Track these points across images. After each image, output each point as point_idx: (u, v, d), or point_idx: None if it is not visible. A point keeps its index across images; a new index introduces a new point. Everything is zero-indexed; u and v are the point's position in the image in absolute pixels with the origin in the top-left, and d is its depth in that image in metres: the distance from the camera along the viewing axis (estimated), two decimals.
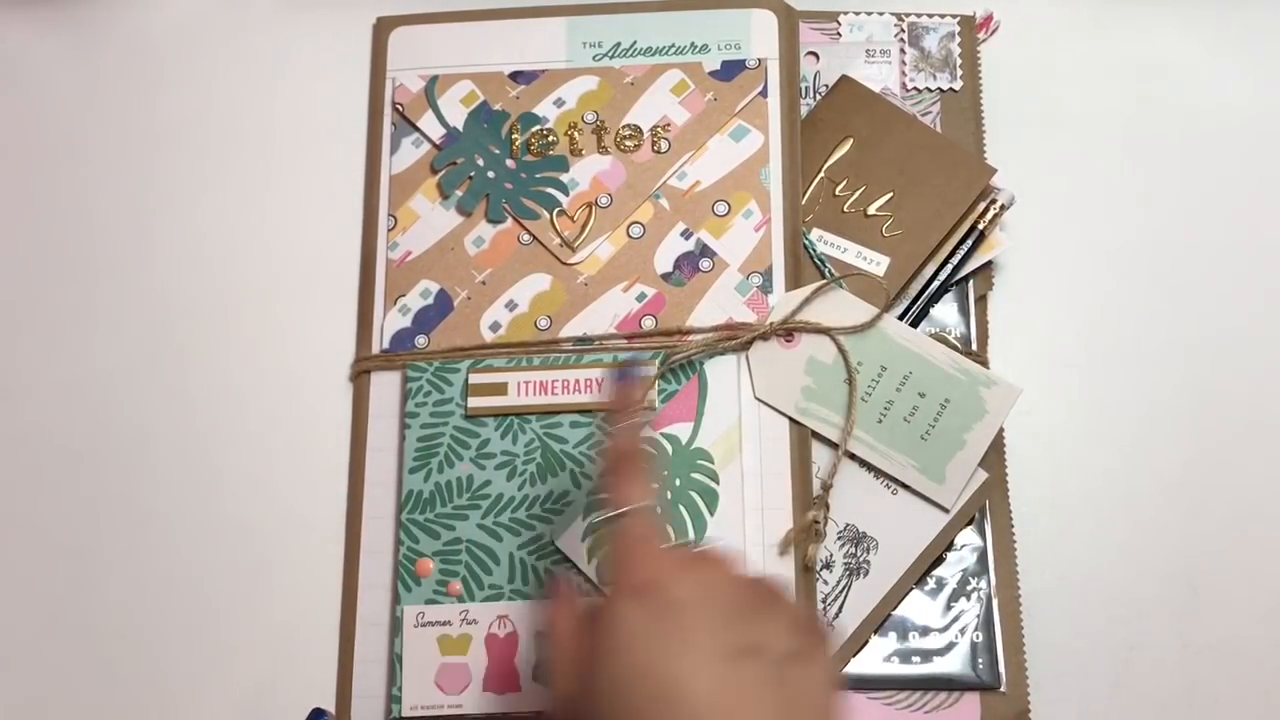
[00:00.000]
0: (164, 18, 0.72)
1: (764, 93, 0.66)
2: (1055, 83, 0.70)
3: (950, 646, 0.60)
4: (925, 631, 0.60)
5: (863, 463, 0.62)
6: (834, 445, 0.61)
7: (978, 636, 0.60)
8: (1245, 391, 0.65)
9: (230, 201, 0.69)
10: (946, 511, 0.60)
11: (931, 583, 0.61)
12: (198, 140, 0.70)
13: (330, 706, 0.60)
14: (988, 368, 0.63)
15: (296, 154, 0.69)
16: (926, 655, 0.60)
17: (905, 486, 0.61)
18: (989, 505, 0.61)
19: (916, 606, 0.60)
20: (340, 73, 0.70)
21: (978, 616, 0.60)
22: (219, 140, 0.70)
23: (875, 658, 0.60)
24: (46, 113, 0.71)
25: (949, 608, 0.60)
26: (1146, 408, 0.64)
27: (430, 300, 0.65)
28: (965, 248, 0.64)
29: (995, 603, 0.60)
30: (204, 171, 0.70)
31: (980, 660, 0.59)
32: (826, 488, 0.61)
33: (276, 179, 0.69)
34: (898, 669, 0.60)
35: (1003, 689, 0.59)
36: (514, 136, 0.67)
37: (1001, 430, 0.62)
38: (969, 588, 0.60)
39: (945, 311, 0.64)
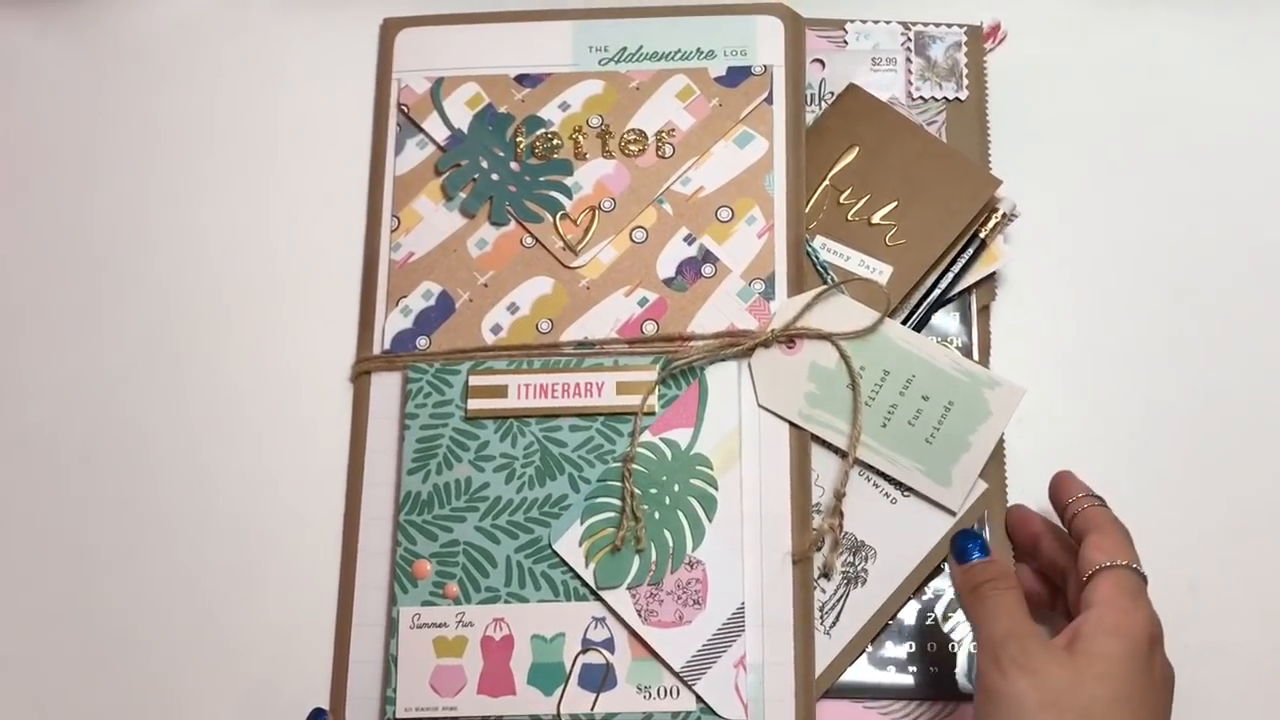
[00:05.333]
0: (167, 17, 0.72)
1: (769, 99, 0.66)
2: (1062, 94, 0.70)
3: (948, 654, 0.59)
4: (922, 640, 0.60)
5: (863, 471, 0.61)
6: (836, 451, 0.61)
7: (975, 645, 0.59)
8: (1246, 398, 0.65)
9: (233, 201, 0.69)
10: (953, 514, 0.60)
11: (929, 592, 0.60)
12: (200, 140, 0.70)
13: (325, 707, 0.59)
14: None
15: (300, 154, 0.69)
16: (923, 664, 0.59)
17: (911, 490, 0.61)
18: (988, 513, 0.61)
19: (913, 614, 0.60)
20: (346, 74, 0.70)
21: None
22: (221, 140, 0.70)
23: (872, 666, 0.59)
24: (46, 112, 0.71)
25: (946, 617, 0.60)
26: (1147, 422, 0.64)
27: (432, 302, 0.65)
28: (966, 256, 0.64)
29: None
30: (206, 171, 0.70)
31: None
32: (839, 496, 0.60)
33: (280, 179, 0.69)
34: (894, 678, 0.59)
35: None
36: (518, 139, 0.67)
37: (1001, 439, 0.61)
38: None
39: (947, 322, 0.64)
